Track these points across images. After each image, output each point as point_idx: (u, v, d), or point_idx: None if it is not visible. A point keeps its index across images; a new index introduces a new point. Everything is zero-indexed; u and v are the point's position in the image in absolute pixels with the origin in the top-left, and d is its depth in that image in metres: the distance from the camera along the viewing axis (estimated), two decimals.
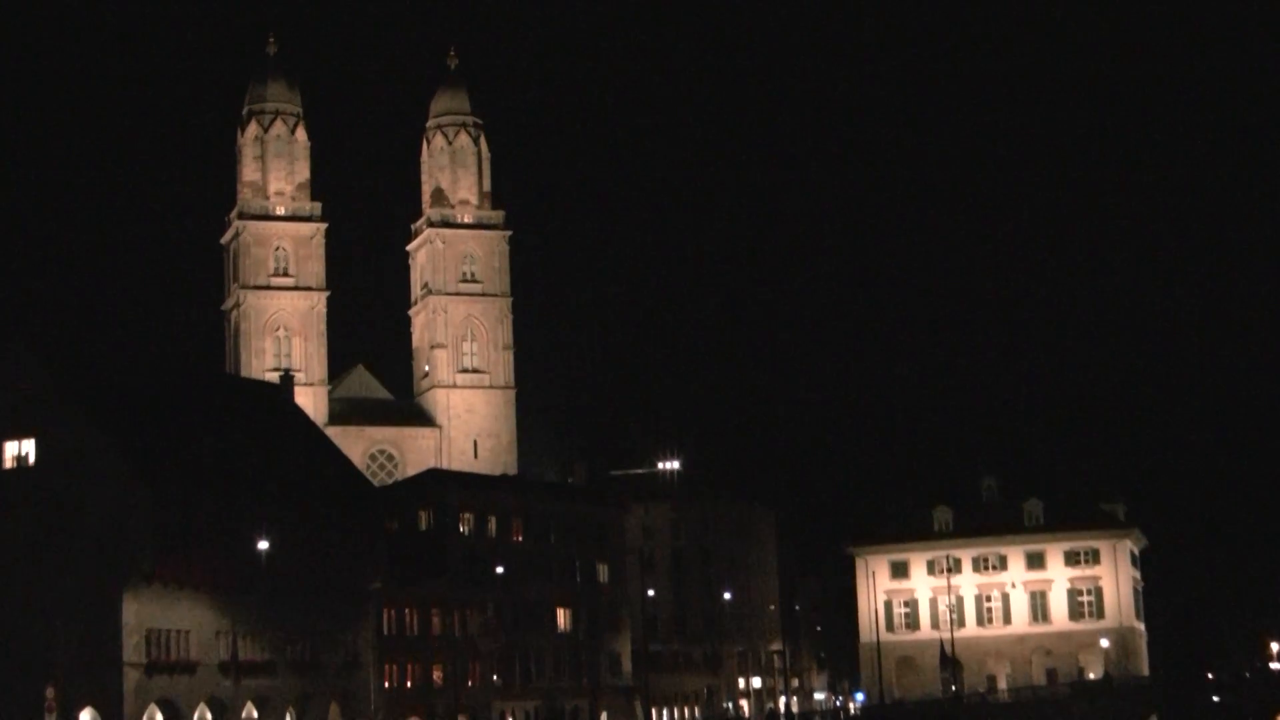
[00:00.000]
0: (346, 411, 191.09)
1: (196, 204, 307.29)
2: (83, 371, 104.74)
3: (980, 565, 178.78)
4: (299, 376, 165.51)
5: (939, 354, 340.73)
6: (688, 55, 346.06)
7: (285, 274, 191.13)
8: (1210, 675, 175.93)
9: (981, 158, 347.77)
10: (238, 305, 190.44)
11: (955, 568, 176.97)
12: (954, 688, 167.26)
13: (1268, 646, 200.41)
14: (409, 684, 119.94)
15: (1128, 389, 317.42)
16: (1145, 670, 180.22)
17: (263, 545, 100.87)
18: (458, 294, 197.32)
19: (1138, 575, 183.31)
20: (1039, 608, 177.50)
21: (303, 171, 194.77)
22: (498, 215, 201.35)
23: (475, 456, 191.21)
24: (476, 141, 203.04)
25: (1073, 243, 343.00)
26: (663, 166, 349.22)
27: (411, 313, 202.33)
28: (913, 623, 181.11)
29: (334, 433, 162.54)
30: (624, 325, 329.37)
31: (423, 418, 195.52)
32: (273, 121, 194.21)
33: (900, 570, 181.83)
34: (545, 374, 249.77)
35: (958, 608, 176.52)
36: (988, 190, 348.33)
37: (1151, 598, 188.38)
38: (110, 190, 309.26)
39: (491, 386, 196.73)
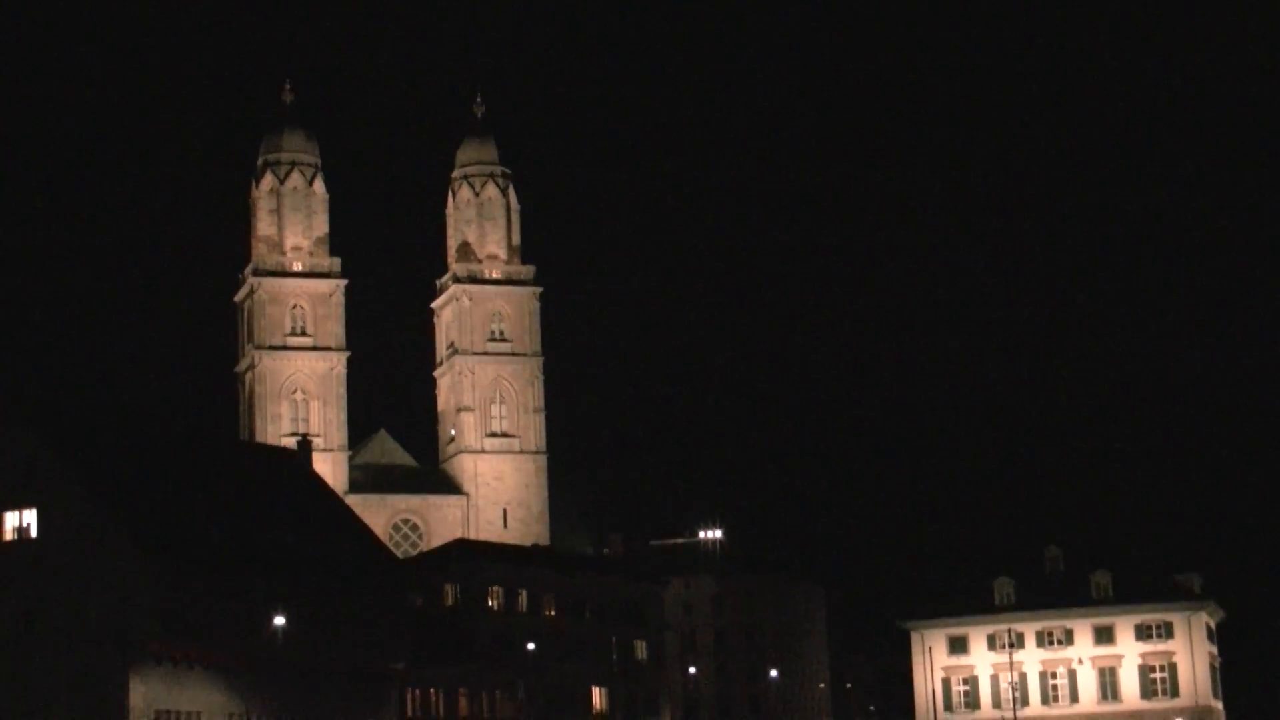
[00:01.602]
0: (368, 479, 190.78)
1: (208, 260, 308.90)
2: (87, 437, 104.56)
3: (1045, 640, 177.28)
4: (317, 442, 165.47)
5: (1000, 418, 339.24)
6: (726, 105, 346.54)
7: (303, 334, 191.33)
8: None
9: (1055, 213, 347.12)
10: (252, 367, 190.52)
11: (1018, 643, 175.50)
12: None
13: None
14: None
15: (1201, 453, 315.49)
16: None
17: (279, 622, 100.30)
18: (485, 354, 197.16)
19: (1215, 651, 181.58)
20: (1108, 685, 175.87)
21: (321, 226, 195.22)
22: (528, 271, 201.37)
23: (505, 527, 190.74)
24: (505, 193, 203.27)
25: (1145, 306, 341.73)
26: (703, 219, 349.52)
27: (436, 374, 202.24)
28: (972, 702, 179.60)
29: (354, 502, 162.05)
30: (663, 387, 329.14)
31: (449, 485, 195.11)
32: (289, 173, 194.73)
33: (959, 646, 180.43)
34: (579, 439, 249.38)
35: (1021, 685, 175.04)
36: (1049, 251, 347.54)
37: (1230, 675, 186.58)
38: (118, 244, 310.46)
39: (522, 452, 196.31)
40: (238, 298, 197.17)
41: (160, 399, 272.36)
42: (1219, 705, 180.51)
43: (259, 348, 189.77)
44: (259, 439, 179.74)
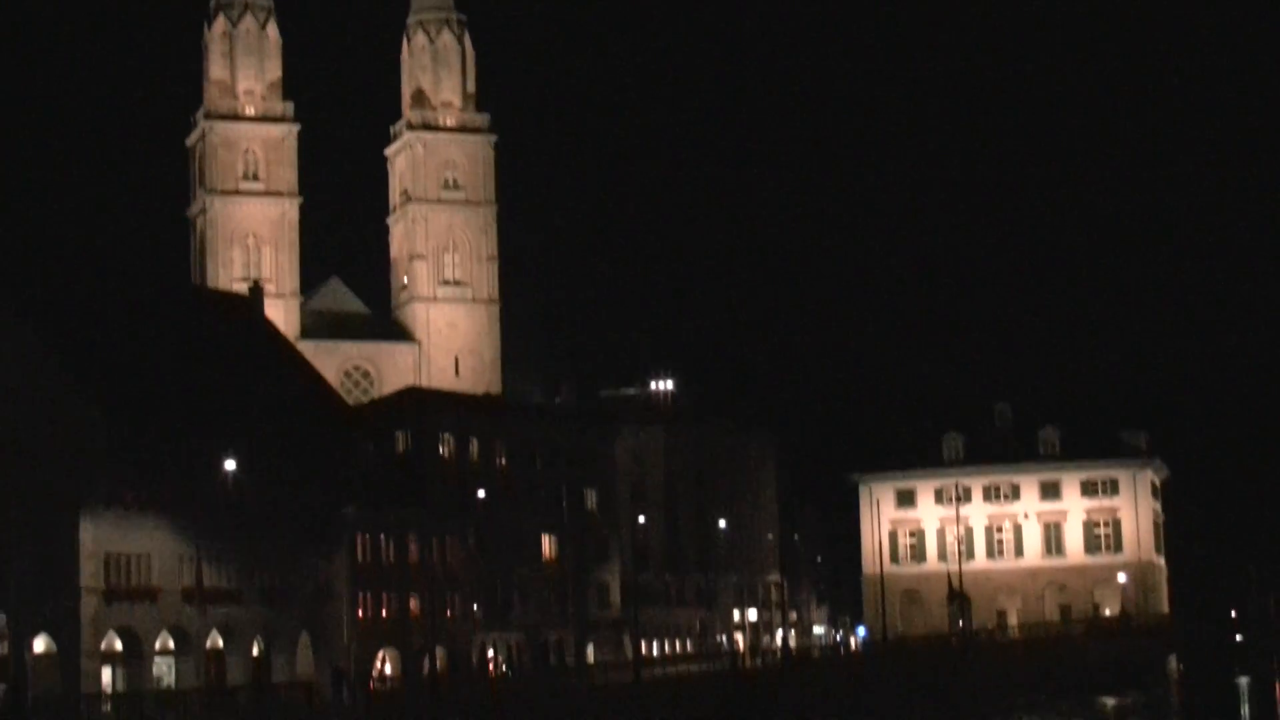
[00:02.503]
0: (320, 325, 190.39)
1: (160, 102, 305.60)
2: (37, 281, 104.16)
3: (992, 495, 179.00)
4: (269, 288, 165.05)
5: (951, 273, 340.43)
6: None
7: (255, 179, 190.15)
8: (1234, 613, 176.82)
9: (994, 68, 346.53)
10: (204, 211, 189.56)
11: (965, 497, 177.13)
12: (961, 624, 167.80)
13: None
14: (384, 615, 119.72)
15: (1150, 311, 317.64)
16: (1165, 608, 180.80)
17: (229, 466, 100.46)
18: (439, 202, 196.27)
19: (1158, 507, 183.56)
20: (1053, 540, 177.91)
21: (274, 70, 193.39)
22: (482, 119, 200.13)
23: (456, 374, 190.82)
24: (460, 40, 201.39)
25: (1091, 161, 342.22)
26: (658, 67, 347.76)
27: (390, 221, 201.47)
28: (919, 555, 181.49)
29: (306, 348, 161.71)
30: (616, 236, 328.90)
31: (401, 333, 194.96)
32: (241, 16, 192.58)
33: (907, 499, 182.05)
34: (531, 287, 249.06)
35: (967, 539, 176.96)
36: (1002, 104, 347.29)
37: (1173, 531, 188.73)
38: (66, 85, 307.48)
39: (474, 300, 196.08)
40: (189, 141, 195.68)
41: (111, 242, 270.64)
42: (1161, 561, 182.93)
43: (211, 192, 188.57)
44: (210, 284, 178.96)
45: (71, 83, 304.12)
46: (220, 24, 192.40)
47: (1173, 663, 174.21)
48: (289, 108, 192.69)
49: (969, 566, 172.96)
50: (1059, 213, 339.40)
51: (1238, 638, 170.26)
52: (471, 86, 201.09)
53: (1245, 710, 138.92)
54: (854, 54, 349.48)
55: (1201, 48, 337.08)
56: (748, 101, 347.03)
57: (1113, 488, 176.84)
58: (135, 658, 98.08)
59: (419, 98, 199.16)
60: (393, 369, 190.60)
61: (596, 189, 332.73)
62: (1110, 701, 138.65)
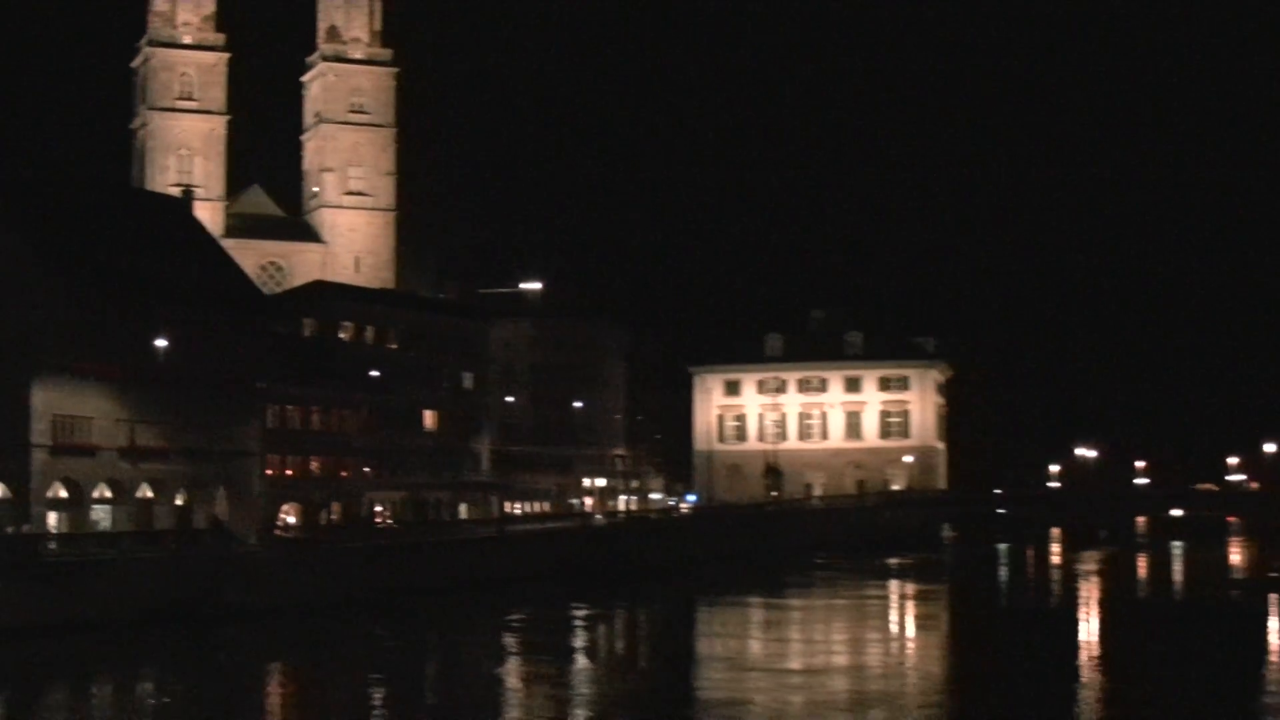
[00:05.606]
0: (241, 226, 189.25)
1: (109, 31, 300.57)
2: (3, 180, 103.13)
3: (804, 387, 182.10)
4: (199, 192, 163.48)
5: (777, 195, 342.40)
6: None
7: (189, 98, 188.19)
8: (999, 491, 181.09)
9: None
10: (144, 125, 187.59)
11: (782, 388, 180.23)
12: (775, 494, 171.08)
13: (1048, 469, 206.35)
14: (289, 473, 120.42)
15: (940, 234, 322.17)
16: (942, 484, 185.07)
17: (162, 343, 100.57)
18: (347, 123, 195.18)
19: (941, 401, 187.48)
20: (854, 426, 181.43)
21: (208, 5, 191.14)
22: (386, 53, 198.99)
23: (357, 271, 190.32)
24: None
25: (898, 84, 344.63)
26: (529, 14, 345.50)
27: (304, 138, 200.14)
28: (742, 435, 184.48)
29: (229, 245, 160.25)
30: (497, 157, 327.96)
31: (310, 234, 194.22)
32: None
33: (733, 389, 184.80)
34: (424, 199, 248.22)
35: (782, 424, 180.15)
36: (812, 30, 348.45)
37: (952, 422, 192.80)
38: (31, 16, 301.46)
39: (374, 209, 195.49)
40: (134, 64, 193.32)
41: (65, 150, 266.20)
42: (941, 446, 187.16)
43: (151, 109, 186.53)
44: (149, 188, 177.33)
45: (36, 13, 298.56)
46: None
47: (947, 530, 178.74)
48: (220, 38, 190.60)
49: (783, 446, 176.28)
50: (867, 144, 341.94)
51: (999, 511, 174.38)
52: (378, 25, 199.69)
53: (1003, 570, 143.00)
54: None
55: None
56: (617, 37, 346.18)
57: (904, 384, 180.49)
58: (77, 504, 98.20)
59: (332, 33, 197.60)
60: (302, 265, 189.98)
61: (485, 115, 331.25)
62: (894, 560, 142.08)
